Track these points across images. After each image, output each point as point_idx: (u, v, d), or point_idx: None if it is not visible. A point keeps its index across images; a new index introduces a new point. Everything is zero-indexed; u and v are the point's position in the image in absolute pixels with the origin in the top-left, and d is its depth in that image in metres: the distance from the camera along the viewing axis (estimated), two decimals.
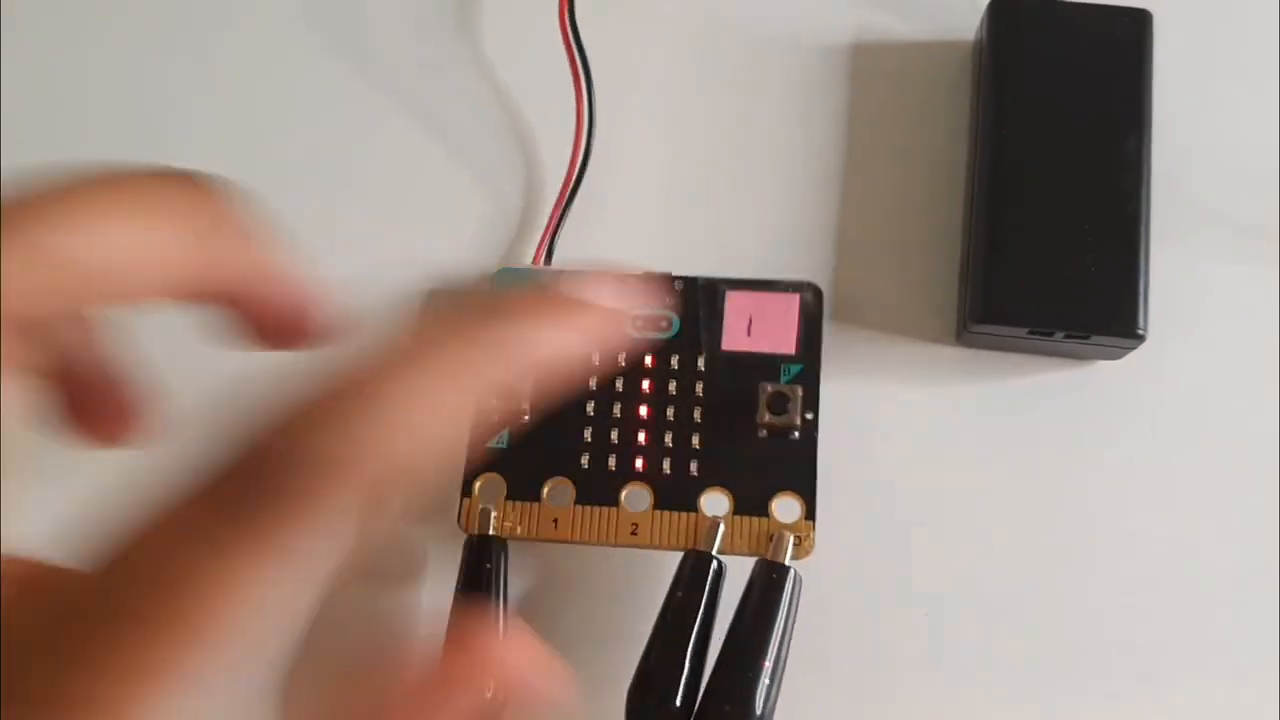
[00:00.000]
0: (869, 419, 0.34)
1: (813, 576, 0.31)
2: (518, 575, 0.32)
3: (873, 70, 0.38)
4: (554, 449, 0.32)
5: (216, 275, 0.22)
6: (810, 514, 0.31)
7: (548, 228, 0.35)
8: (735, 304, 0.33)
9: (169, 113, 0.38)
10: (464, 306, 0.20)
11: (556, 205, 0.35)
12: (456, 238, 0.36)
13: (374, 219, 0.37)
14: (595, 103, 0.36)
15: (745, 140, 0.37)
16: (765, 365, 0.33)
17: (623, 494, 0.32)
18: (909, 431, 0.34)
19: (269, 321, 0.24)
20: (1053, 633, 0.32)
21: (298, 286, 0.24)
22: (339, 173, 0.37)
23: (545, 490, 0.32)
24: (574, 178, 0.35)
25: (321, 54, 0.39)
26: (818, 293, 0.33)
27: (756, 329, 0.33)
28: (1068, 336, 0.33)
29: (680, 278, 0.34)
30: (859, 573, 0.33)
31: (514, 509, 0.32)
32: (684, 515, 0.31)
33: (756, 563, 0.31)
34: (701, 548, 0.31)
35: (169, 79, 0.39)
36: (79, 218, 0.21)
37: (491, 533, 0.31)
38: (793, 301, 0.33)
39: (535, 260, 0.35)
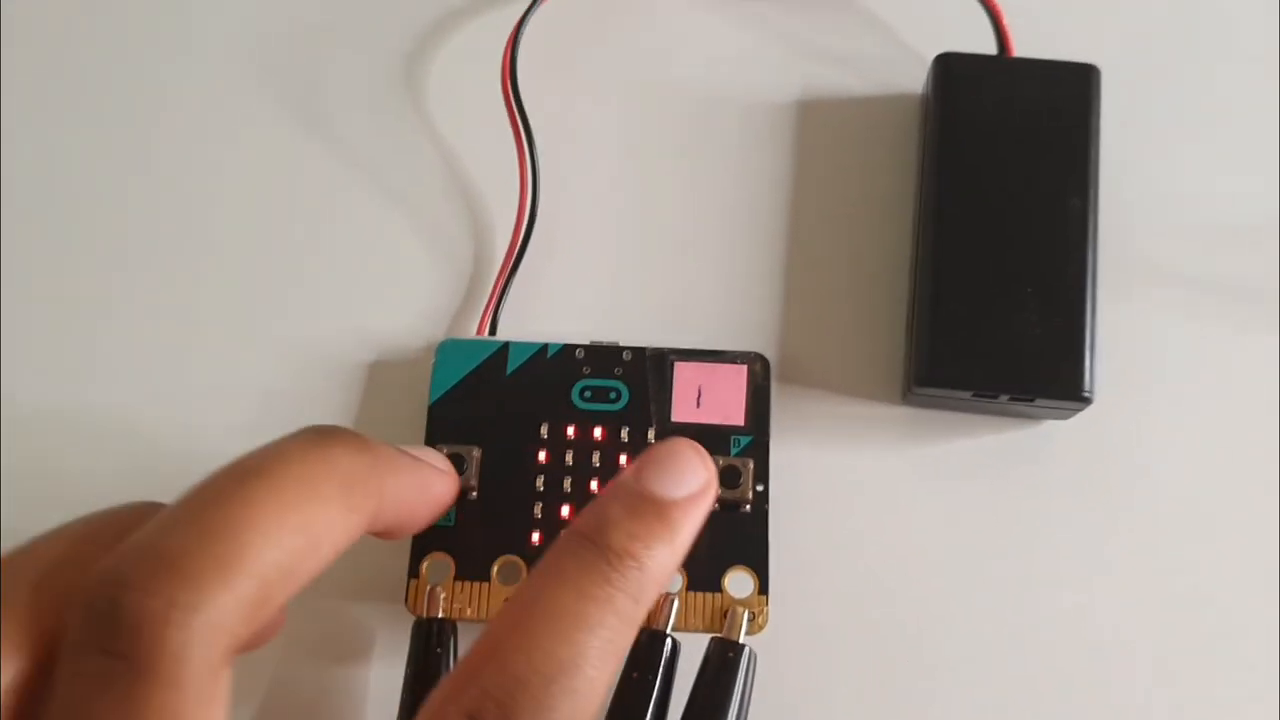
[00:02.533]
0: (817, 482, 0.34)
1: (768, 651, 0.31)
2: None
3: (820, 127, 0.38)
4: (503, 526, 0.32)
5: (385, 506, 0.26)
6: (764, 588, 0.31)
7: (491, 297, 0.35)
8: (684, 375, 0.33)
9: (111, 180, 0.37)
10: None
11: (500, 275, 0.35)
12: (401, 309, 0.36)
13: (317, 290, 0.36)
14: (539, 170, 0.36)
15: (691, 202, 0.37)
16: (715, 437, 0.32)
17: None
18: (858, 495, 0.34)
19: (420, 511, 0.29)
20: (1009, 693, 0.33)
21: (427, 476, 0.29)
22: (283, 242, 0.37)
23: (495, 569, 0.31)
24: (517, 247, 0.35)
25: (268, 122, 0.38)
26: (765, 363, 0.33)
27: (706, 400, 0.33)
28: (1013, 399, 0.33)
29: (629, 348, 0.33)
30: (815, 645, 0.33)
31: (463, 589, 0.31)
32: None
33: (711, 640, 0.30)
34: (655, 626, 0.30)
35: (112, 143, 0.38)
36: (267, 532, 0.22)
37: (440, 615, 0.31)
38: (741, 372, 0.33)
39: (479, 331, 0.34)
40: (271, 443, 0.24)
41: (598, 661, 0.23)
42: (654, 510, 0.26)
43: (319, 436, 0.25)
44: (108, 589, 0.20)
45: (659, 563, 0.25)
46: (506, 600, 0.25)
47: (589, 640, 0.23)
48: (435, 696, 0.23)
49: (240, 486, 0.23)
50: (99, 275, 0.36)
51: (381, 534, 0.27)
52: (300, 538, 0.23)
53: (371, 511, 0.25)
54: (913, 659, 0.33)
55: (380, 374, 0.35)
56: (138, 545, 0.21)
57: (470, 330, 0.35)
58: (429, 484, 0.29)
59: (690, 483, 0.26)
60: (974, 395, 0.33)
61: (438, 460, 0.30)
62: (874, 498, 0.34)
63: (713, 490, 0.27)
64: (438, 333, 0.35)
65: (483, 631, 0.24)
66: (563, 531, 0.25)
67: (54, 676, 0.21)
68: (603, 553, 0.24)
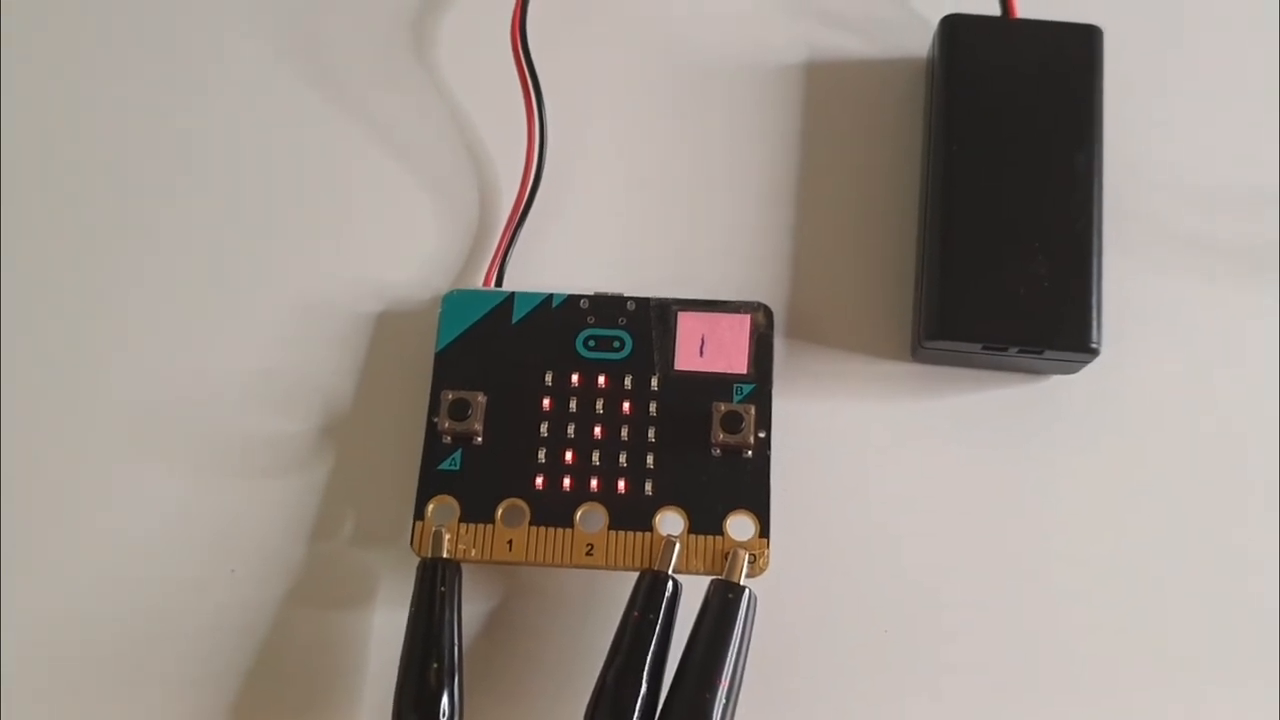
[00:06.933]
0: (825, 436, 0.34)
1: (768, 594, 0.31)
2: (472, 598, 0.32)
3: (826, 90, 0.38)
4: (508, 471, 0.32)
5: None
6: (765, 532, 0.31)
7: (498, 249, 0.35)
8: (687, 325, 0.33)
9: (125, 136, 0.38)
10: None
11: (507, 227, 0.35)
12: (408, 260, 0.36)
13: (325, 241, 0.37)
14: (547, 124, 0.36)
15: (699, 161, 0.37)
16: (718, 385, 0.33)
17: (578, 515, 0.31)
18: (865, 448, 0.34)
19: None
20: (1011, 647, 0.32)
21: None
22: (293, 196, 0.37)
23: (499, 512, 0.32)
24: (525, 199, 0.35)
25: (275, 75, 0.39)
26: (768, 313, 0.33)
27: (709, 349, 0.33)
28: (1022, 351, 0.33)
29: (632, 299, 0.34)
30: (815, 590, 0.33)
31: (468, 531, 0.31)
32: (639, 535, 0.31)
33: (712, 582, 0.30)
34: (657, 567, 0.31)
35: (121, 100, 0.39)
36: None
37: (445, 556, 0.31)
38: (744, 322, 0.33)
39: (486, 282, 0.35)
40: None
41: None
42: None
43: None
44: None
45: None
46: None
47: None
48: None
49: None
50: (107, 229, 0.37)
51: None
52: None
53: None
54: (915, 606, 0.33)
55: (388, 324, 0.35)
56: None
57: (477, 283, 0.35)
58: None
59: None
60: (984, 348, 0.33)
61: None
62: (881, 450, 0.34)
63: None
64: (444, 285, 0.36)
65: None
66: None
67: None
68: None
